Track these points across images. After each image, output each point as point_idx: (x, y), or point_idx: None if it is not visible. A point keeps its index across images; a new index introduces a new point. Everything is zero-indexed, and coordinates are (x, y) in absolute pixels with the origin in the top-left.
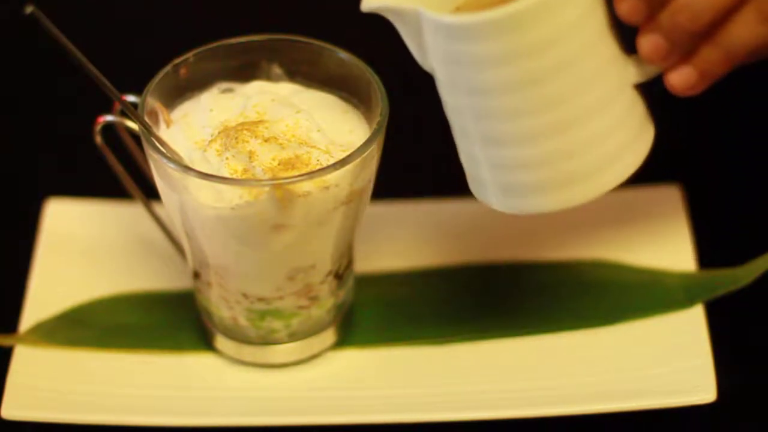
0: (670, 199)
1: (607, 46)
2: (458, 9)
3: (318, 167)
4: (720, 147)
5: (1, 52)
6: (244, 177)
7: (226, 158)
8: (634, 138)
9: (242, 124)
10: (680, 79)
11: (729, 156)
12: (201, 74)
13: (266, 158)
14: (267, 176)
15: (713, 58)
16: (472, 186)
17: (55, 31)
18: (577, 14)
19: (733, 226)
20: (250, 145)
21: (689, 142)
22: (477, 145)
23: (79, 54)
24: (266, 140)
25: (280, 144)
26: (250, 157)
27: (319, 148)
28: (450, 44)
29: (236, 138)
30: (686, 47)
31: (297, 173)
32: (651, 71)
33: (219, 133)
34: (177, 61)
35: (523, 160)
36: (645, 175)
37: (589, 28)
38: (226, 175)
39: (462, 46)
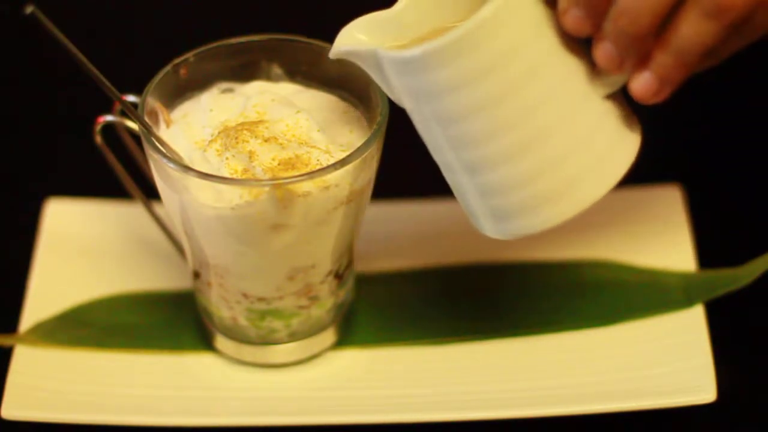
0: (670, 199)
1: (565, 60)
2: (420, 40)
3: (318, 167)
4: (720, 147)
5: (1, 52)
6: (244, 177)
7: (226, 158)
8: (614, 146)
9: (242, 124)
10: (641, 87)
11: (729, 156)
12: (201, 74)
13: (266, 158)
14: (267, 176)
15: (668, 62)
16: (470, 219)
17: (55, 31)
18: (522, 34)
19: (733, 226)
20: (250, 145)
21: (689, 142)
22: (461, 176)
23: (79, 54)
24: (266, 140)
25: (280, 144)
26: (250, 157)
27: (319, 148)
28: (406, 78)
29: (236, 138)
30: (638, 52)
31: (297, 173)
32: (615, 81)
33: (219, 133)
34: (177, 61)
35: (504, 183)
36: (645, 175)
37: (538, 45)
38: (226, 175)
39: (416, 77)
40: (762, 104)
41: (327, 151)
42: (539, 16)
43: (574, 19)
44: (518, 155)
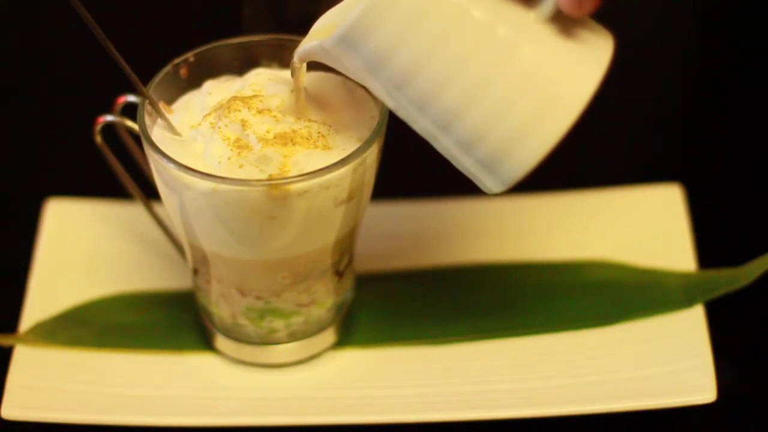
0: (670, 199)
1: None
2: None
3: (320, 138)
4: (720, 147)
5: (1, 52)
6: (237, 145)
7: (219, 127)
8: (577, 61)
9: (235, 97)
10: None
11: (729, 156)
12: (201, 73)
13: (260, 129)
14: (260, 145)
15: None
16: (477, 184)
17: (87, 16)
18: None
19: (733, 226)
20: (242, 114)
21: (689, 142)
22: (442, 138)
23: (107, 41)
24: (259, 111)
25: (274, 116)
26: (242, 126)
27: (317, 122)
28: (353, 57)
29: (228, 108)
30: None
31: (300, 149)
32: (546, 2)
33: (215, 110)
34: (177, 60)
35: (477, 127)
36: (645, 175)
37: None
38: (219, 142)
39: (359, 52)
40: (762, 104)
41: (327, 123)
42: None
43: None
44: (476, 96)
